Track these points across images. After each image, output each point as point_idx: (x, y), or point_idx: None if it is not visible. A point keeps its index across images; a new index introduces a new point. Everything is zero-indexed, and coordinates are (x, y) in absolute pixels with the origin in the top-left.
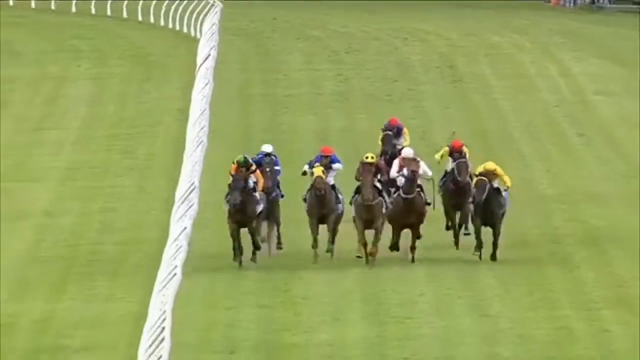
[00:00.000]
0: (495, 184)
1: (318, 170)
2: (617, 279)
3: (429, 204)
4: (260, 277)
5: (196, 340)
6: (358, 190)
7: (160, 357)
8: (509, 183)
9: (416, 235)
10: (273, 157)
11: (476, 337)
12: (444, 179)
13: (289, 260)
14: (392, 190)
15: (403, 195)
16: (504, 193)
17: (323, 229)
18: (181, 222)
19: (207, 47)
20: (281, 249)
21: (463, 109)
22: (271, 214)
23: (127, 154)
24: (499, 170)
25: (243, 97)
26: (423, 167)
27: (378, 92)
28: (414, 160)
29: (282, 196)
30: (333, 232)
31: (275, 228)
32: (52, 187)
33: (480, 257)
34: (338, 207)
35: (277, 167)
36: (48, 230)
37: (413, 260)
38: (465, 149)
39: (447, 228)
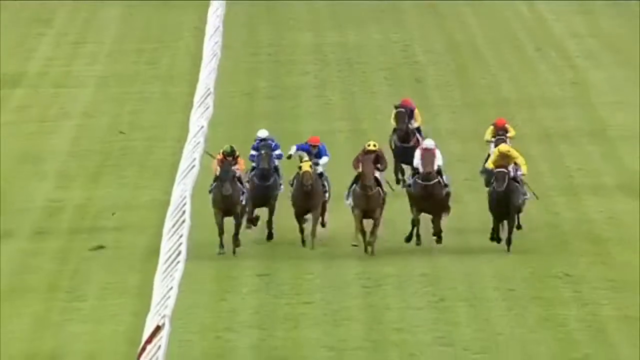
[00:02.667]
0: (512, 173)
1: (306, 165)
2: (567, 169)
3: (447, 188)
4: None
5: (211, 221)
6: (357, 180)
7: (181, 236)
8: (524, 168)
9: (438, 223)
10: (270, 142)
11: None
12: (485, 165)
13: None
14: (411, 175)
15: (422, 183)
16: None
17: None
18: (199, 122)
19: None
20: (272, 238)
21: (438, 26)
22: (267, 201)
23: (153, 64)
24: (513, 153)
25: (251, 17)
26: (439, 160)
27: (365, 13)
28: (430, 153)
29: (281, 184)
30: (316, 223)
31: (268, 215)
32: (90, 93)
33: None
34: (324, 196)
35: (276, 152)
36: (86, 128)
37: (439, 241)
38: (509, 127)
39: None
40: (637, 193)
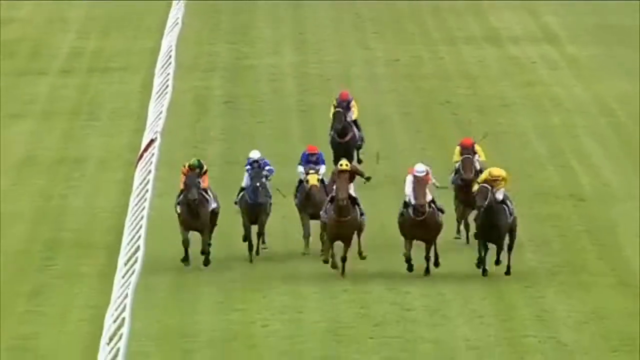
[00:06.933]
0: (500, 196)
1: (313, 179)
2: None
3: (443, 212)
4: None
5: (189, 96)
6: (332, 200)
7: (168, 74)
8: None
9: (430, 248)
10: (261, 163)
11: None
12: (454, 177)
13: None
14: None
15: (413, 216)
16: (509, 203)
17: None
18: (174, 17)
19: None
20: (265, 248)
21: None
22: (257, 218)
23: None
24: (506, 176)
25: None
26: (433, 184)
27: None
28: (423, 182)
29: (271, 204)
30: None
31: (259, 231)
32: None
33: (484, 272)
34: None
35: (267, 167)
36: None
37: (427, 271)
38: (477, 147)
39: (458, 231)
40: (523, 82)
